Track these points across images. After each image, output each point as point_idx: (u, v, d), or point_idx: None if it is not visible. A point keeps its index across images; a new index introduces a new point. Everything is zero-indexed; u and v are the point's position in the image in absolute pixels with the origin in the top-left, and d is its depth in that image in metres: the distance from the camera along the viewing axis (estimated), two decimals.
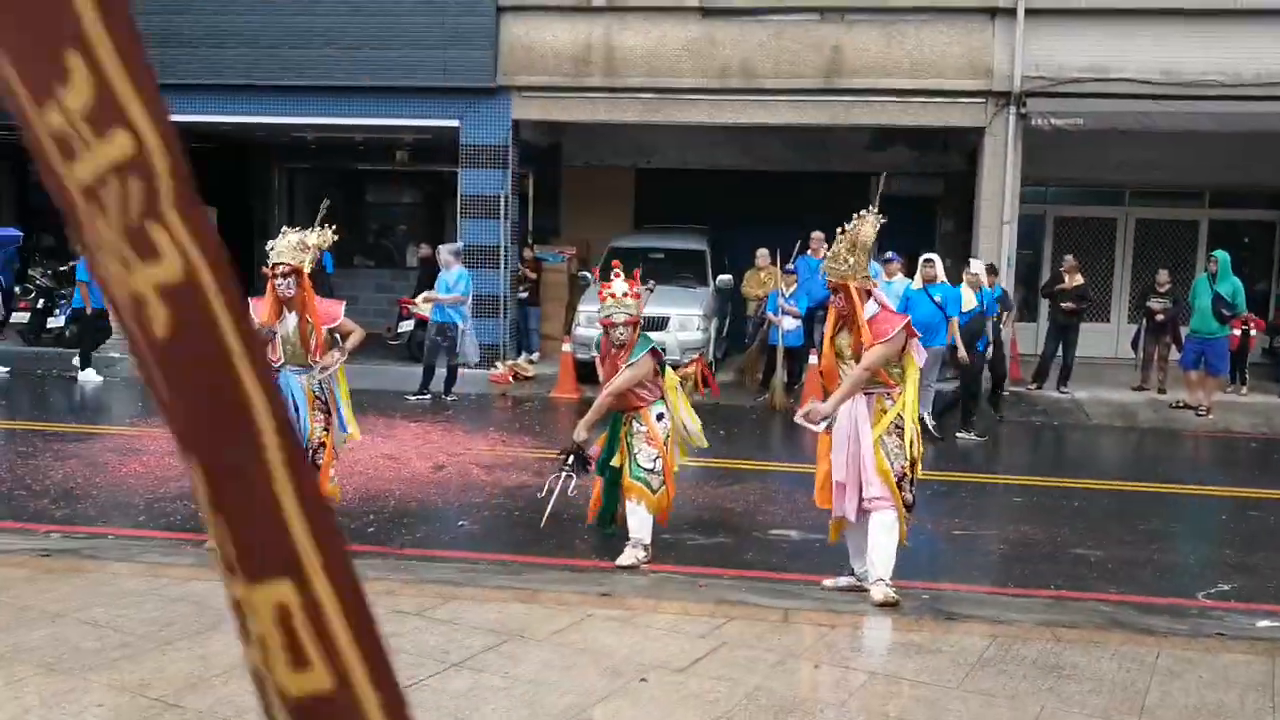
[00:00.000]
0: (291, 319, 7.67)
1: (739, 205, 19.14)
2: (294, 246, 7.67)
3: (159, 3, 16.70)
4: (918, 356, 6.70)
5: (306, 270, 7.66)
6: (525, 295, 17.63)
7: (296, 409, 7.56)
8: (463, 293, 14.48)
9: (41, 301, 18.54)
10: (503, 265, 16.87)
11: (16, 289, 19.14)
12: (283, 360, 7.65)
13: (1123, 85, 15.26)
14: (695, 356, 8.98)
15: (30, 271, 19.92)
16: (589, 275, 16.86)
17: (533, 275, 17.76)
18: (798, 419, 6.87)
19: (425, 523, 8.65)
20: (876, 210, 6.78)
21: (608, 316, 7.84)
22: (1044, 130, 15.39)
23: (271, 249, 7.72)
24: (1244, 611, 6.85)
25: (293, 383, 7.62)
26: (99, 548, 7.40)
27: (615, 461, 7.77)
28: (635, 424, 7.72)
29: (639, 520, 7.59)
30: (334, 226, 8.16)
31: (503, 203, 16.80)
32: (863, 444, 6.46)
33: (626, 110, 16.54)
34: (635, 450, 7.67)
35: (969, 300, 12.87)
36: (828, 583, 6.95)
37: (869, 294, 6.70)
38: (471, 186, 16.89)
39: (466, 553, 7.90)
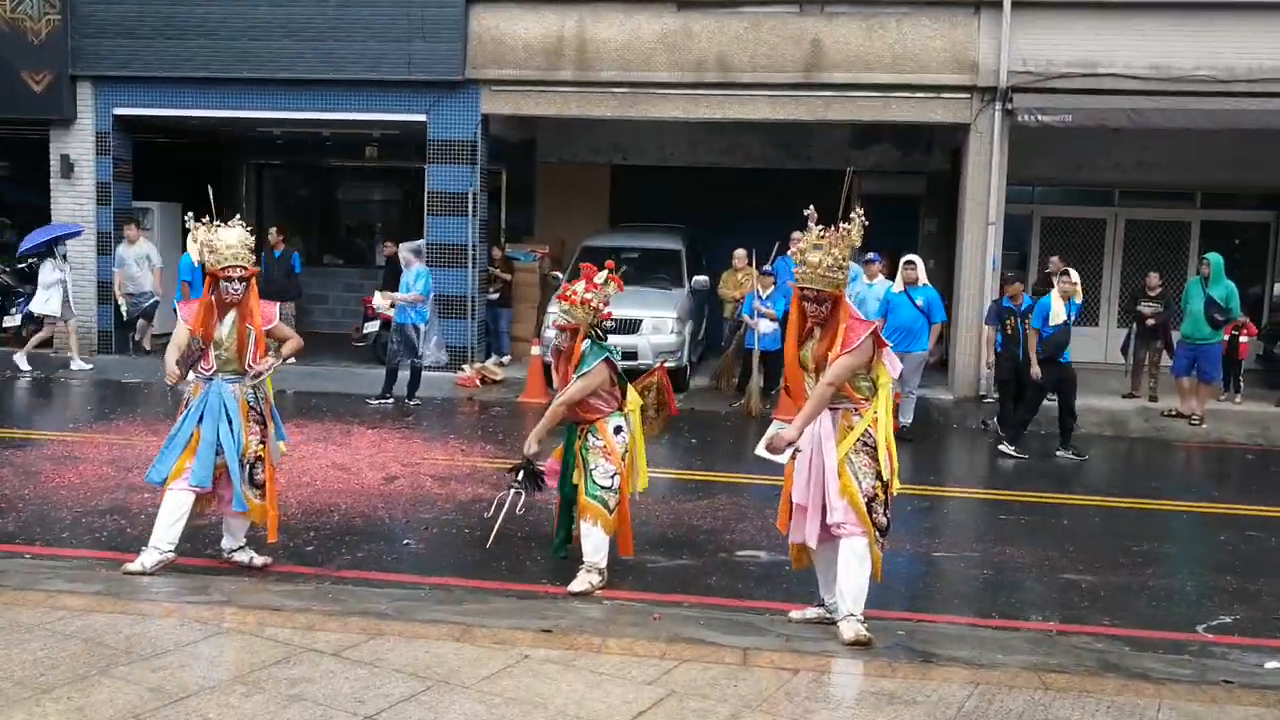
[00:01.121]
0: (228, 322, 7.04)
1: (718, 204, 18.61)
2: (246, 247, 7.06)
3: None
4: (890, 366, 6.11)
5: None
6: (496, 296, 17.03)
7: (230, 421, 6.96)
8: (421, 291, 13.86)
9: None
10: (471, 264, 16.27)
11: None
12: (214, 369, 7.03)
13: (1112, 81, 14.71)
14: (658, 364, 8.35)
15: None
16: (560, 276, 16.31)
17: (505, 275, 17.17)
18: (759, 451, 6.28)
19: (369, 541, 8.04)
20: (860, 211, 6.21)
21: (555, 319, 7.41)
22: (1031, 127, 14.85)
23: (210, 248, 7.02)
24: (1248, 647, 6.30)
25: (225, 392, 7.01)
26: (7, 570, 6.77)
27: (575, 479, 7.24)
28: (591, 437, 7.17)
29: (594, 543, 7.05)
30: (239, 216, 7.52)
31: (471, 200, 16.20)
32: (826, 464, 5.86)
33: (600, 105, 15.96)
34: (591, 466, 7.12)
35: (1059, 312, 11.98)
36: (795, 615, 6.38)
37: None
38: (439, 183, 16.29)
39: (408, 575, 7.32)
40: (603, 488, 7.05)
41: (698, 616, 6.37)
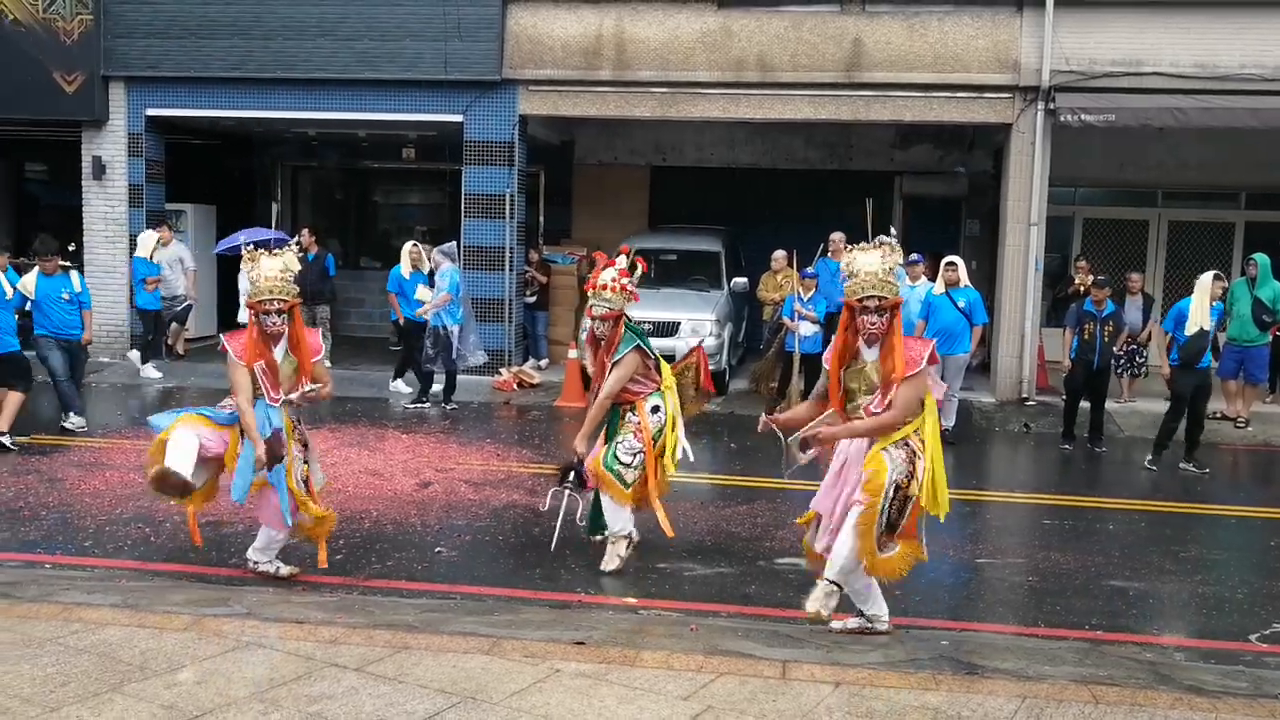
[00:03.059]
0: (280, 350, 6.87)
1: (758, 205, 18.42)
2: (285, 279, 6.85)
3: None
4: (935, 388, 5.95)
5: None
6: (533, 299, 16.91)
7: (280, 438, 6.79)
8: (448, 290, 13.73)
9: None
10: (507, 267, 16.15)
11: None
12: (283, 399, 6.85)
13: (1156, 79, 14.41)
14: (695, 345, 8.34)
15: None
16: None
17: (541, 278, 17.04)
18: (791, 439, 6.09)
19: (399, 549, 7.91)
20: (895, 233, 6.06)
21: (590, 308, 7.41)
22: (1073, 127, 14.55)
23: (250, 279, 6.87)
24: None
25: (272, 414, 6.83)
26: (23, 581, 6.67)
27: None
28: (629, 414, 7.37)
29: (612, 513, 7.29)
30: (297, 240, 7.38)
31: (508, 202, 16.09)
32: (845, 493, 5.81)
33: (638, 105, 15.80)
34: (619, 439, 7.32)
35: (1200, 318, 11.35)
36: (836, 625, 6.18)
37: None
38: (475, 185, 16.18)
39: (438, 584, 7.18)
40: (622, 463, 7.25)
41: (736, 627, 6.20)
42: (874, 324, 5.81)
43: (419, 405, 13.92)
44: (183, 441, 6.61)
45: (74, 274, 12.09)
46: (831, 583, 5.83)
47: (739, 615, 6.64)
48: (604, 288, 7.33)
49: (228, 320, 19.38)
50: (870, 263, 5.81)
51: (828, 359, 6.09)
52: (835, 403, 6.03)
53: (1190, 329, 11.36)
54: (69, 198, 17.98)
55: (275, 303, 6.76)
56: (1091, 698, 5.00)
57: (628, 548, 7.37)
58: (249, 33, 16.10)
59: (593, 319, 7.37)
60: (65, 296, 11.70)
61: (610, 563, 7.32)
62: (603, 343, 7.39)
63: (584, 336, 8.04)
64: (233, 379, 6.79)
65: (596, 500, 7.58)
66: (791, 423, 6.35)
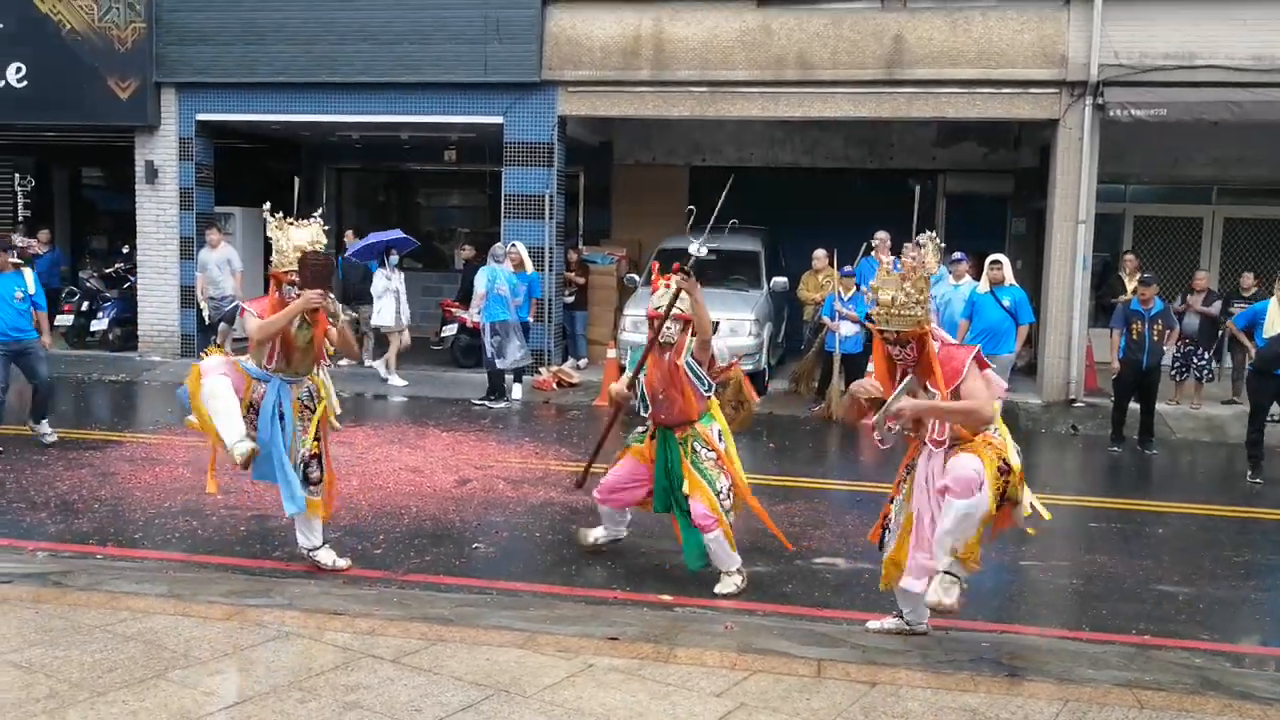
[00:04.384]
0: (303, 329, 6.88)
1: (798, 204, 18.28)
2: (314, 249, 6.89)
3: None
4: (996, 387, 5.65)
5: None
6: (571, 299, 16.90)
7: (282, 420, 6.82)
8: (482, 290, 14.09)
9: (86, 304, 18.19)
10: (548, 267, 16.13)
11: (62, 293, 18.87)
12: (275, 368, 6.88)
13: (1210, 73, 14.13)
14: (732, 360, 8.02)
15: (81, 274, 19.67)
16: (636, 278, 16.12)
17: (579, 280, 17.03)
18: (883, 410, 5.62)
19: (437, 544, 7.91)
20: (933, 235, 5.89)
21: (656, 308, 7.05)
22: (1123, 122, 14.33)
23: (277, 249, 6.92)
24: None
25: (284, 393, 6.90)
26: (75, 570, 6.74)
27: (686, 489, 6.93)
28: (696, 447, 6.95)
29: (723, 554, 6.92)
30: (320, 212, 7.34)
31: (548, 202, 16.09)
32: (929, 517, 5.53)
33: (677, 105, 15.75)
34: (711, 478, 6.88)
35: (1276, 320, 11.03)
36: (872, 625, 6.09)
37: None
38: (515, 185, 16.20)
39: (475, 579, 7.16)
40: (723, 506, 6.86)
41: (771, 626, 6.12)
42: (901, 355, 5.57)
43: (484, 403, 14.00)
44: (223, 411, 6.60)
45: (27, 271, 11.13)
46: (946, 573, 5.39)
47: (775, 614, 6.56)
48: (662, 279, 7.10)
49: None
50: (887, 293, 5.50)
51: (876, 378, 5.81)
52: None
53: (1269, 331, 10.96)
54: (124, 203, 18.21)
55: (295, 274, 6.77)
56: (1136, 702, 4.88)
57: (742, 578, 6.99)
58: (294, 38, 16.24)
59: (654, 317, 7.02)
60: (19, 296, 10.74)
61: (726, 587, 6.94)
62: (672, 346, 7.03)
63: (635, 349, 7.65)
64: (248, 327, 6.82)
65: (686, 533, 7.09)
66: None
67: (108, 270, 18.86)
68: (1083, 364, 15.08)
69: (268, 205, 7.16)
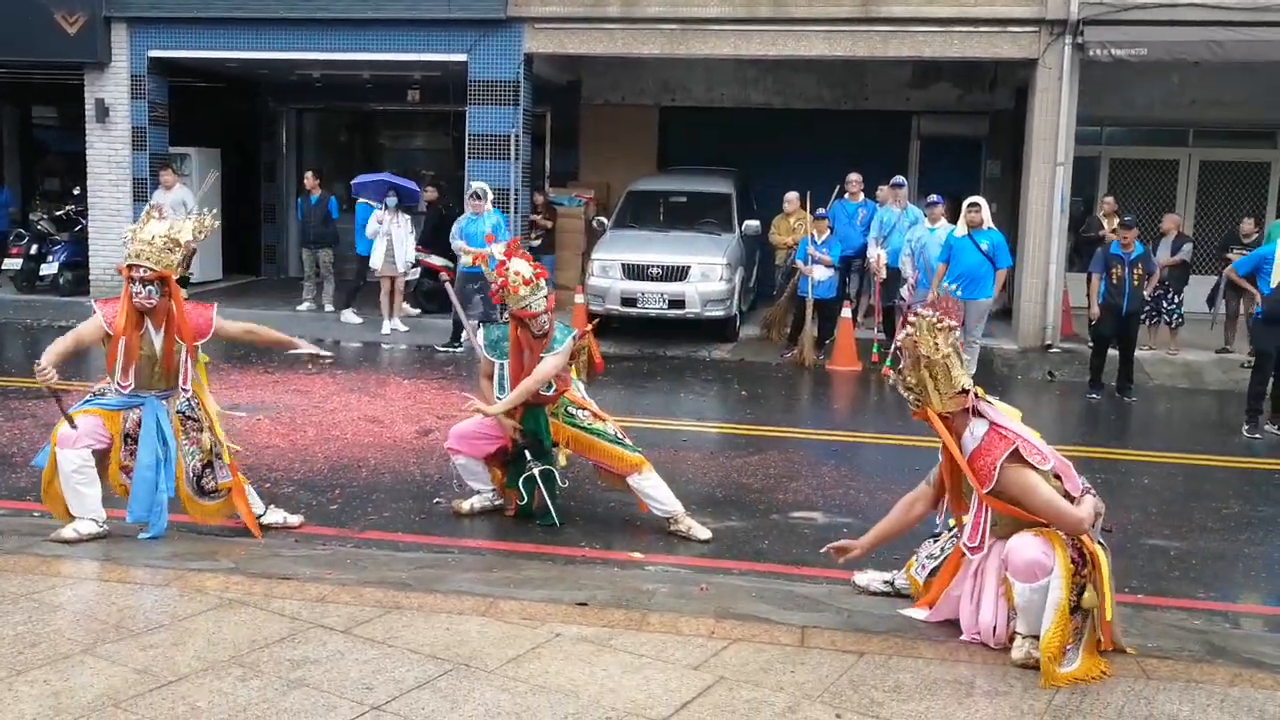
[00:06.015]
0: (156, 334, 6.15)
1: (770, 146, 17.84)
2: (160, 246, 6.01)
3: None
4: (1043, 462, 4.79)
5: (176, 277, 6.07)
6: (538, 242, 16.45)
7: (164, 442, 6.14)
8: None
9: (35, 247, 17.57)
10: (513, 209, 15.66)
11: (10, 235, 18.27)
12: (133, 386, 6.12)
13: (1191, 11, 13.76)
14: (586, 329, 7.85)
15: (31, 216, 19.04)
16: (604, 221, 15.70)
17: (546, 223, 16.57)
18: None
19: (397, 499, 7.53)
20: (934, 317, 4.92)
21: (524, 307, 6.78)
22: (1103, 62, 13.96)
23: (127, 241, 6.09)
24: None
25: (159, 412, 6.16)
26: (5, 532, 6.28)
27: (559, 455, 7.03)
28: (571, 409, 7.12)
29: (660, 492, 6.91)
30: (213, 212, 6.71)
31: (513, 142, 15.59)
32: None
33: (647, 42, 15.25)
34: (599, 430, 7.05)
35: None
36: (859, 578, 5.75)
37: (972, 411, 4.87)
38: (480, 125, 15.67)
39: (436, 537, 6.78)
40: (619, 438, 7.02)
41: (749, 587, 5.79)
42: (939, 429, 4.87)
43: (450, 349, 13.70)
44: (74, 480, 6.01)
45: None
46: (1026, 637, 4.65)
47: (751, 573, 6.24)
48: (527, 282, 6.75)
49: (232, 265, 19.06)
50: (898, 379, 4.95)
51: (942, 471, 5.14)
52: (953, 489, 5.10)
53: (1275, 280, 10.48)
54: (76, 143, 17.58)
55: (139, 269, 5.97)
56: (1142, 672, 4.58)
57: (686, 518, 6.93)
58: None
59: (531, 317, 6.77)
60: None
61: (703, 531, 6.84)
62: (538, 339, 6.87)
63: (480, 339, 7.33)
64: (77, 328, 6.15)
65: (528, 492, 7.01)
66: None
67: (58, 212, 18.25)
68: (1059, 309, 14.81)
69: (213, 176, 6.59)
